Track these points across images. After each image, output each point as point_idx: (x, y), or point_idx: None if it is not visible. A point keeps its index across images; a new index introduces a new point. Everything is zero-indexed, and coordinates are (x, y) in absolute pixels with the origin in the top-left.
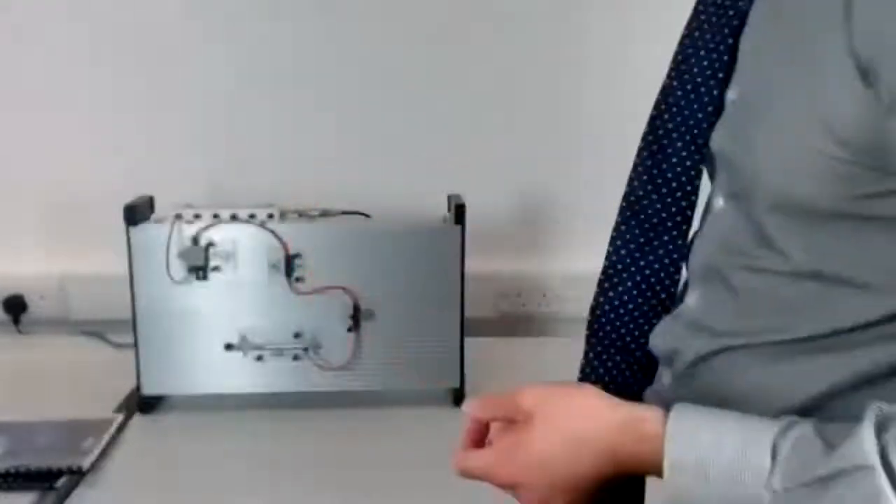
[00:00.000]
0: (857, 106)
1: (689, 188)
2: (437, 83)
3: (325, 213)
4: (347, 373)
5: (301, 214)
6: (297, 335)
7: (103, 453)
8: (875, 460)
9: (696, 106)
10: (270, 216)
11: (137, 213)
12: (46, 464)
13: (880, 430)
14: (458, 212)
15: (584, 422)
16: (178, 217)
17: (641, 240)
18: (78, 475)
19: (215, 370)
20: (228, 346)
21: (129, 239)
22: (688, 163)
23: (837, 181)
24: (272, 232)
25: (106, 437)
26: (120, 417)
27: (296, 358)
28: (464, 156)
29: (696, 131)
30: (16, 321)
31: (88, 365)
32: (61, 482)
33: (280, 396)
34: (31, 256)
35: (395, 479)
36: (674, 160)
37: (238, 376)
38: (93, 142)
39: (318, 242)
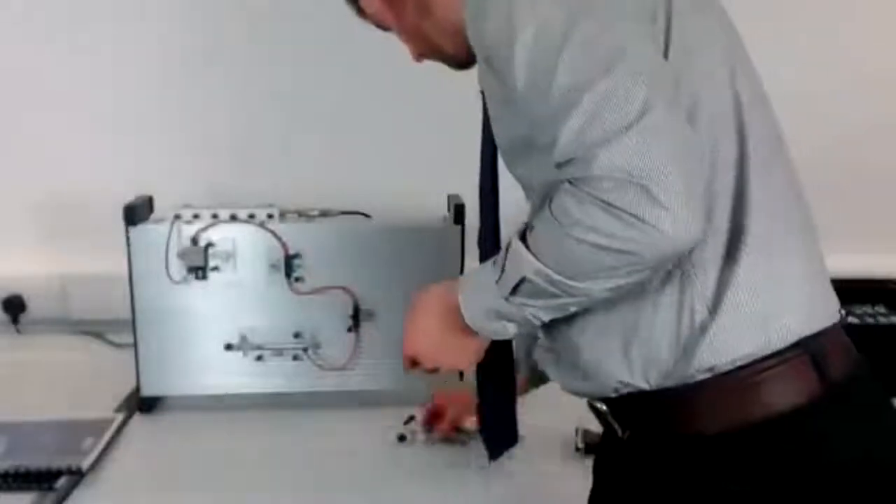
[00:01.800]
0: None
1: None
2: (437, 83)
3: (325, 213)
4: (347, 373)
5: (301, 214)
6: (297, 335)
7: (103, 453)
8: (515, 241)
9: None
10: (270, 216)
11: (137, 213)
12: (46, 464)
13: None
14: (458, 212)
15: (427, 297)
16: (178, 217)
17: None
18: (78, 475)
19: (215, 370)
20: (228, 346)
21: (128, 239)
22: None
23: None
24: (272, 232)
25: (106, 437)
26: (120, 417)
27: (296, 358)
28: (464, 156)
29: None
30: (15, 321)
31: (88, 365)
32: (61, 482)
33: (280, 396)
34: (31, 256)
35: (395, 477)
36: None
37: (238, 376)
38: (93, 142)
39: (318, 242)
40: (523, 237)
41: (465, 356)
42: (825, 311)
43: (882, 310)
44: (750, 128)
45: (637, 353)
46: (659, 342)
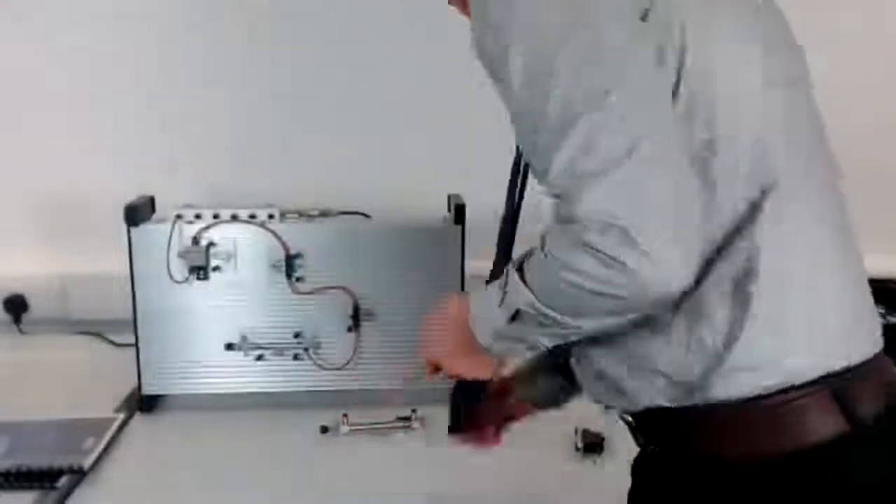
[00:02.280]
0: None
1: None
2: (437, 83)
3: (325, 213)
4: (347, 373)
5: (301, 214)
6: (297, 335)
7: (104, 452)
8: (512, 270)
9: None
10: (270, 216)
11: (138, 213)
12: (48, 463)
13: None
14: (458, 212)
15: (446, 308)
16: (179, 217)
17: None
18: (79, 474)
19: (215, 370)
20: (229, 346)
21: (129, 239)
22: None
23: None
24: (272, 232)
25: (107, 437)
26: (120, 417)
27: (296, 358)
28: (464, 156)
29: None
30: (16, 321)
31: (89, 364)
32: (62, 481)
33: (280, 396)
34: (31, 256)
35: (395, 478)
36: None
37: (238, 376)
38: (93, 142)
39: (318, 242)
40: (521, 267)
41: (484, 367)
42: (856, 344)
43: (881, 310)
44: (777, 149)
45: (656, 378)
46: (677, 371)
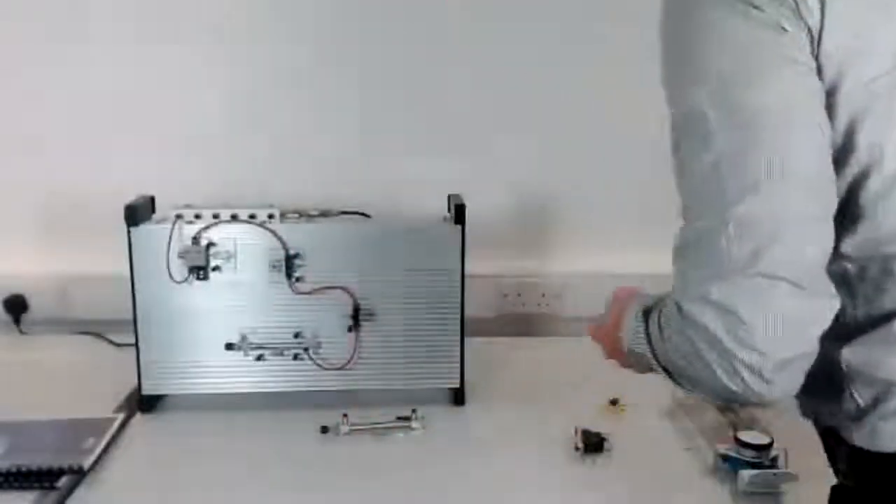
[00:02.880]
0: None
1: None
2: (437, 83)
3: (325, 213)
4: (347, 373)
5: (301, 214)
6: (297, 335)
7: (104, 452)
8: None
9: None
10: (270, 216)
11: (138, 213)
12: (47, 463)
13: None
14: (458, 212)
15: (614, 304)
16: (179, 217)
17: None
18: (79, 475)
19: (215, 370)
20: (229, 346)
21: (129, 239)
22: None
23: None
24: (272, 232)
25: (107, 437)
26: (120, 417)
27: (296, 358)
28: (464, 156)
29: None
30: (16, 321)
31: (88, 365)
32: (62, 481)
33: (280, 396)
34: (31, 256)
35: (395, 478)
36: None
37: (238, 376)
38: (93, 142)
39: (318, 242)
40: (647, 313)
41: (640, 366)
42: None
43: None
44: None
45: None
46: (828, 417)
